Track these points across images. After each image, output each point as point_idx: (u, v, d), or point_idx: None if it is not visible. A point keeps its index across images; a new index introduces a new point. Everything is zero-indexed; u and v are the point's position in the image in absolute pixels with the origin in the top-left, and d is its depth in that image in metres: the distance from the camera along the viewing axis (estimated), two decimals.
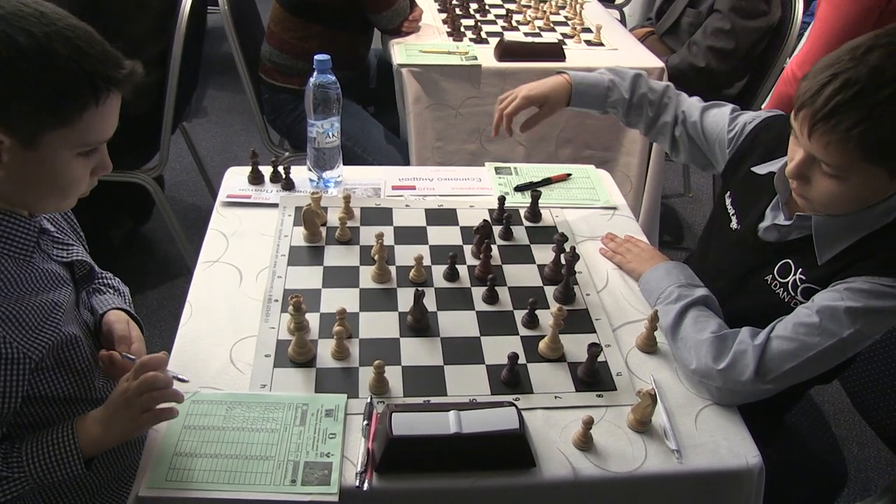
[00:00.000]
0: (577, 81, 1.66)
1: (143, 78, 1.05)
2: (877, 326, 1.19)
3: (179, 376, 1.15)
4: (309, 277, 1.45)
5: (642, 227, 1.74)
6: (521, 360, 1.28)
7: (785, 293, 1.30)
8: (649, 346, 1.34)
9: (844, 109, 1.07)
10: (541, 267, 1.51)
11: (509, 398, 1.21)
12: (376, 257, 1.45)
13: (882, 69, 1.05)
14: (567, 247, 1.47)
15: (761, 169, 1.37)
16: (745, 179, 1.44)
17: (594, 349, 1.24)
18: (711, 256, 1.49)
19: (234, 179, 1.75)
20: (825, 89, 1.08)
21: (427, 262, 1.51)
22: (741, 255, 1.39)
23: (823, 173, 1.15)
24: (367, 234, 1.58)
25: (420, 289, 1.34)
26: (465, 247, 1.58)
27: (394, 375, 1.24)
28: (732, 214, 1.45)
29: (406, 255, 1.52)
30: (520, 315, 1.39)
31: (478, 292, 1.44)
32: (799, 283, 1.27)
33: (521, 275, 1.48)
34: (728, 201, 1.48)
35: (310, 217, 1.53)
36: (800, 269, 1.28)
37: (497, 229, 1.62)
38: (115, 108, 1.05)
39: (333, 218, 1.61)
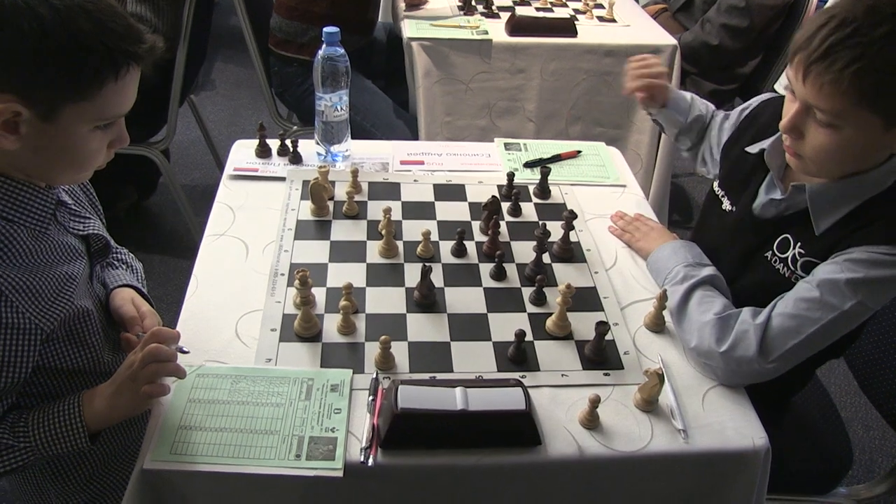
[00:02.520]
0: (670, 89, 1.61)
1: (162, 52, 1.04)
2: (879, 297, 1.17)
3: (182, 348, 1.14)
4: (316, 252, 1.44)
5: (652, 205, 1.73)
6: (529, 337, 1.28)
7: (785, 268, 1.29)
8: (657, 325, 1.33)
9: (839, 48, 1.05)
10: (549, 244, 1.49)
11: (516, 375, 1.20)
12: (383, 232, 1.44)
13: (879, 7, 1.03)
14: (541, 224, 1.46)
15: (753, 148, 1.36)
16: (736, 160, 1.43)
17: (602, 327, 1.23)
18: (707, 241, 1.47)
19: (242, 152, 1.73)
20: (821, 31, 1.06)
21: (435, 237, 1.50)
22: (739, 236, 1.38)
23: (818, 124, 1.13)
24: (375, 209, 1.57)
25: (427, 264, 1.33)
26: (473, 223, 1.57)
27: (400, 351, 1.23)
28: (722, 196, 1.45)
29: (414, 230, 1.51)
30: (527, 292, 1.39)
31: (485, 268, 1.44)
32: (798, 258, 1.26)
33: (529, 251, 1.46)
34: (716, 184, 1.48)
35: (317, 191, 1.52)
36: (798, 244, 1.27)
37: (505, 205, 1.62)
38: (135, 82, 1.04)
39: (341, 192, 1.61)
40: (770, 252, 1.32)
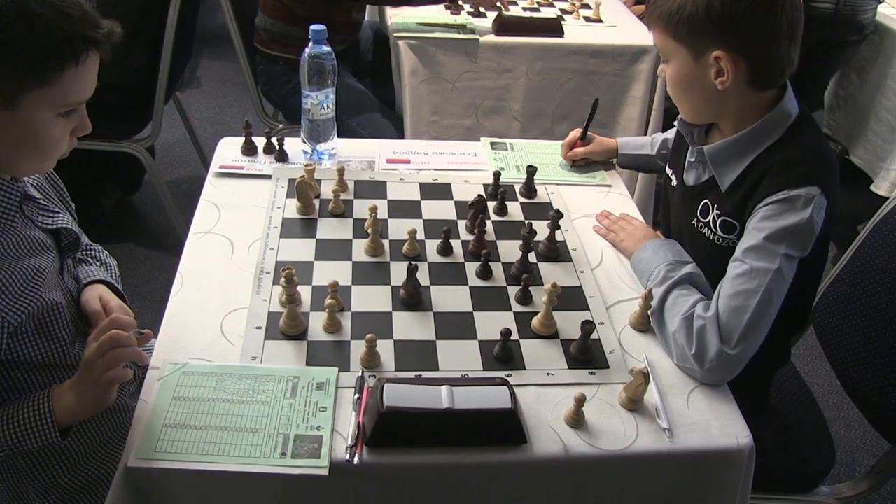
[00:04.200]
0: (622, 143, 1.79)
1: (120, 38, 1.04)
2: (800, 242, 1.24)
3: (141, 331, 1.13)
4: (301, 250, 1.44)
5: (637, 204, 1.74)
6: (514, 335, 1.28)
7: (709, 231, 1.40)
8: (642, 324, 1.33)
9: None
10: (535, 243, 1.49)
11: (501, 374, 1.20)
12: (369, 230, 1.44)
13: None
14: (527, 223, 1.47)
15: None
16: (677, 136, 1.55)
17: (587, 326, 1.23)
18: (666, 223, 1.56)
19: (228, 150, 1.72)
20: None
21: (421, 236, 1.50)
22: (679, 208, 1.50)
23: (663, 63, 1.35)
24: (361, 207, 1.57)
25: (413, 263, 1.33)
26: (459, 221, 1.57)
27: (386, 349, 1.23)
28: (671, 174, 1.56)
29: (400, 228, 1.50)
30: (513, 291, 1.38)
31: (471, 267, 1.44)
32: (717, 219, 1.38)
33: (515, 251, 1.45)
34: (666, 165, 1.60)
35: (303, 189, 1.52)
36: (715, 206, 1.39)
37: (492, 205, 1.62)
38: (95, 67, 1.04)
39: (327, 190, 1.60)
40: (695, 219, 1.43)
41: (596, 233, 1.58)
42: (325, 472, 1.03)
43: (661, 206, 1.64)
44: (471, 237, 1.50)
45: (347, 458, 1.05)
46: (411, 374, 1.19)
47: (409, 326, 1.29)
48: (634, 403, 1.17)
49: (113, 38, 1.03)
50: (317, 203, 1.57)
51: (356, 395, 1.13)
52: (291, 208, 1.55)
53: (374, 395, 1.11)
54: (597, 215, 1.62)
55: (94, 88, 1.06)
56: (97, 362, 1.03)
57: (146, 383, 1.13)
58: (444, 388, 1.09)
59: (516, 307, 1.36)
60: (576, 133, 1.79)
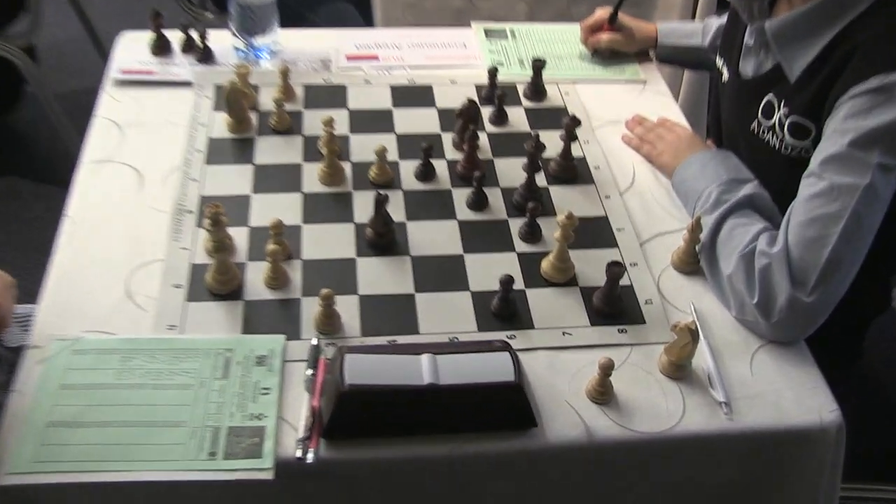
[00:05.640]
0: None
1: None
2: None
3: None
4: (234, 180, 1.44)
5: (682, 106, 1.72)
6: (519, 285, 1.27)
7: (774, 138, 1.39)
8: (689, 264, 1.32)
9: None
10: (545, 161, 1.48)
11: (502, 336, 1.20)
12: (325, 151, 1.42)
13: None
14: (532, 136, 1.43)
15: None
16: (731, 15, 1.55)
17: (615, 269, 1.22)
18: (716, 128, 1.55)
19: (131, 49, 1.69)
20: None
21: (393, 156, 1.49)
22: (734, 108, 1.49)
23: None
24: (313, 121, 1.55)
25: (383, 192, 1.31)
26: (443, 136, 1.56)
27: (348, 308, 1.23)
28: (722, 66, 1.55)
29: (365, 147, 1.50)
30: (516, 225, 1.38)
31: (460, 196, 1.43)
32: (784, 120, 1.36)
33: (518, 172, 1.44)
34: (716, 55, 1.60)
35: (235, 99, 1.50)
36: (781, 103, 1.36)
37: (487, 112, 1.60)
38: None
39: (267, 100, 1.58)
40: (755, 122, 1.42)
41: (626, 144, 1.58)
42: (270, 475, 1.02)
43: (711, 107, 1.61)
44: (459, 156, 1.49)
45: (299, 455, 1.04)
46: (382, 340, 1.19)
47: (380, 277, 1.28)
48: (680, 370, 1.17)
49: None
50: (254, 118, 1.56)
51: (309, 371, 1.13)
52: (220, 125, 1.53)
53: (332, 369, 1.09)
54: (627, 122, 1.61)
55: None
56: None
57: (22, 369, 1.11)
58: (425, 358, 1.08)
59: (521, 246, 1.35)
60: (603, 14, 1.75)
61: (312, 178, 1.44)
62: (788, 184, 1.27)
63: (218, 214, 1.21)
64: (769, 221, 1.28)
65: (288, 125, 1.54)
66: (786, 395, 1.15)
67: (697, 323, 1.18)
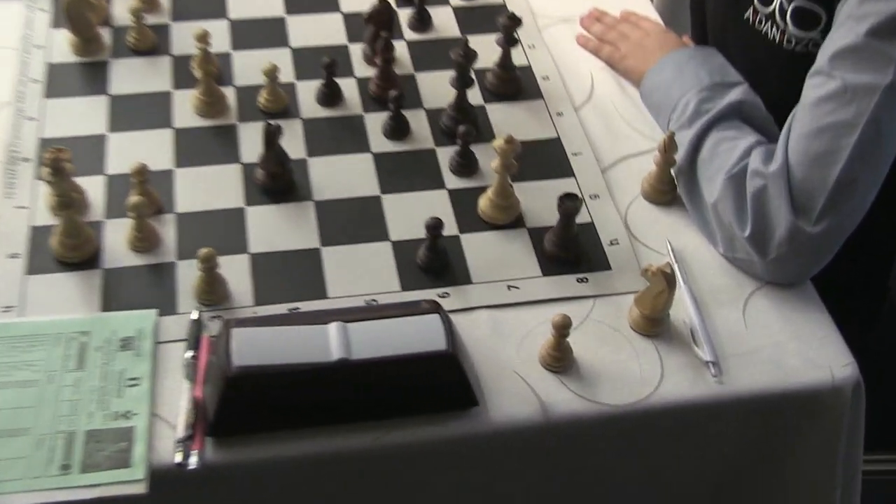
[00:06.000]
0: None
1: None
2: None
3: None
4: (84, 116, 1.42)
5: (658, 6, 1.72)
6: (451, 229, 1.28)
7: (773, 28, 1.38)
8: (664, 193, 1.33)
9: None
10: (481, 73, 1.48)
11: (432, 295, 1.20)
12: (200, 74, 1.41)
13: None
14: (461, 49, 1.41)
15: None
16: None
17: (570, 204, 1.22)
18: (705, 21, 1.54)
19: None
20: None
21: (287, 76, 1.49)
22: None
23: None
24: (183, 36, 1.53)
25: (274, 123, 1.30)
26: (351, 47, 1.56)
27: (237, 272, 1.22)
28: None
29: (251, 67, 1.48)
30: (445, 155, 1.38)
31: (375, 122, 1.43)
32: (787, 4, 1.35)
33: (446, 88, 1.42)
34: None
35: (78, 11, 1.47)
36: None
37: (405, 15, 1.61)
38: None
39: (123, 11, 1.55)
40: (750, 10, 1.42)
41: (582, 48, 1.58)
42: (143, 487, 1.01)
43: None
44: (372, 72, 1.49)
45: (179, 459, 1.03)
46: (281, 310, 1.18)
47: (275, 230, 1.29)
48: (655, 325, 1.17)
49: None
50: (106, 35, 1.54)
51: (189, 354, 1.12)
52: (62, 47, 1.52)
53: (217, 349, 1.08)
54: (582, 19, 1.62)
55: None
56: None
57: None
58: (333, 328, 1.07)
59: (452, 181, 1.36)
60: None
61: (185, 108, 1.43)
62: (789, 87, 1.26)
63: (59, 161, 1.19)
64: (763, 135, 1.28)
65: (151, 43, 1.52)
66: (788, 348, 1.16)
67: (675, 265, 1.19)
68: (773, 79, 1.35)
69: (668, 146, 1.28)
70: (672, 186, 1.32)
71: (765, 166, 1.20)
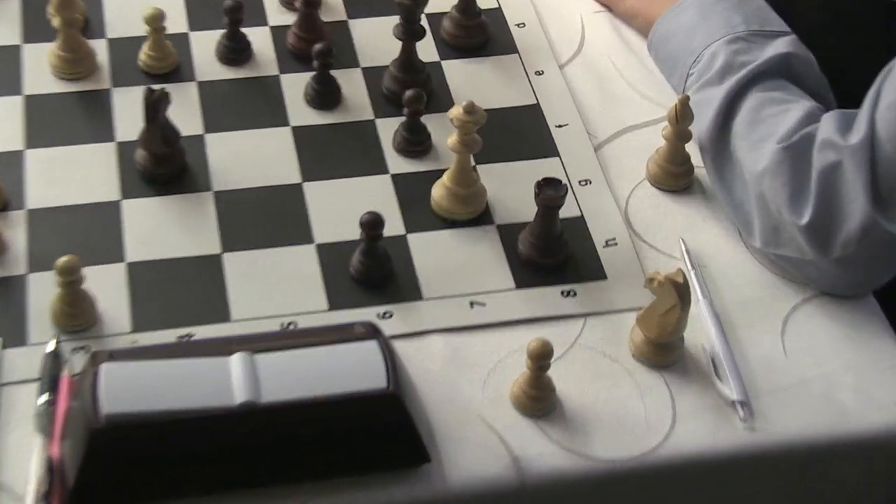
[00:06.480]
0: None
1: None
2: None
3: None
4: None
5: None
6: (395, 227, 1.29)
7: None
8: (676, 176, 1.35)
9: None
10: (434, 20, 1.50)
11: (368, 315, 1.20)
12: (58, 23, 1.41)
13: None
14: None
15: None
16: None
17: (552, 193, 1.22)
18: None
19: None
20: None
21: (178, 26, 1.50)
22: None
23: None
24: None
25: (160, 87, 1.29)
26: None
27: (109, 286, 1.22)
28: None
29: (129, 14, 1.50)
30: (388, 129, 1.40)
31: (295, 86, 1.45)
32: None
33: (388, 39, 1.43)
34: None
35: None
36: None
37: None
38: None
39: None
40: None
41: None
42: None
43: None
44: (291, 18, 1.51)
45: None
46: (168, 337, 1.18)
47: (162, 230, 1.29)
48: (664, 352, 1.17)
49: None
50: None
51: (44, 398, 1.11)
52: None
53: (81, 391, 1.06)
54: None
55: None
56: None
57: None
58: (236, 361, 1.06)
59: (396, 164, 1.38)
60: None
61: (41, 68, 1.44)
62: (872, 47, 1.29)
63: None
64: (818, 101, 1.29)
65: None
66: (842, 382, 1.17)
67: (691, 272, 1.20)
68: (839, 32, 1.37)
69: (681, 113, 1.28)
70: (687, 168, 1.33)
71: (842, 137, 1.19)
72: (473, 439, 1.10)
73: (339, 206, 1.30)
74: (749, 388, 1.14)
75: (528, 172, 1.31)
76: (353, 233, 1.22)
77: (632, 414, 1.13)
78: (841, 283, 1.23)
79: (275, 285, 1.23)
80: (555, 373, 1.11)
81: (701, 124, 1.31)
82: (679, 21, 1.43)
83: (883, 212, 1.16)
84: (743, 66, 1.31)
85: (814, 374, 1.16)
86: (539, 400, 1.12)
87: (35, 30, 1.47)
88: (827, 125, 1.20)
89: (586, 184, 1.33)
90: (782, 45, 1.33)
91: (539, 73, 1.46)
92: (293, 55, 1.46)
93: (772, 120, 1.26)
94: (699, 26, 1.39)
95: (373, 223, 1.19)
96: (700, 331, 1.18)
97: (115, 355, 1.08)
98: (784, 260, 1.24)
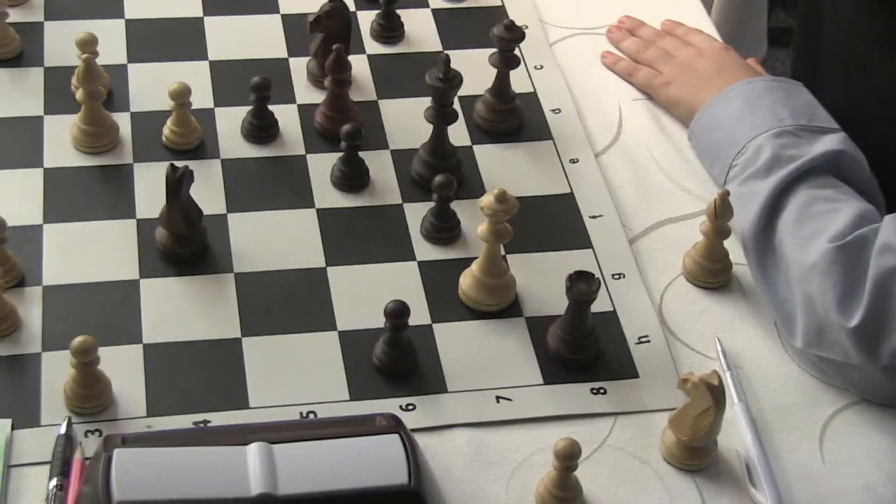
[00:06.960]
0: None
1: None
2: None
3: None
4: None
5: (716, 6, 1.78)
6: (421, 317, 1.29)
7: None
8: (712, 272, 1.34)
9: None
10: (465, 102, 1.50)
11: (391, 407, 1.20)
12: (82, 95, 1.41)
13: None
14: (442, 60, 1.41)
15: None
16: None
17: (583, 286, 1.22)
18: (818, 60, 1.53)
19: None
20: None
21: (205, 100, 1.51)
22: (865, 24, 1.46)
23: None
24: (60, 42, 1.55)
25: (184, 164, 1.30)
26: (292, 62, 1.59)
27: (125, 368, 1.22)
28: None
29: (153, 86, 1.50)
30: (417, 215, 1.40)
31: (322, 167, 1.45)
32: None
33: (419, 122, 1.43)
34: None
35: None
36: None
37: (367, 19, 1.62)
38: None
39: None
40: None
41: (608, 69, 1.60)
42: None
43: (806, 29, 1.61)
44: (319, 97, 1.50)
45: None
46: (185, 421, 1.18)
47: (180, 312, 1.29)
48: (696, 456, 1.17)
49: None
50: None
51: (54, 482, 1.10)
52: None
53: (93, 476, 1.05)
54: (609, 30, 1.64)
55: None
56: None
57: None
58: (254, 451, 1.06)
59: (424, 251, 1.38)
60: None
61: (62, 141, 1.44)
62: None
63: None
64: (863, 195, 1.29)
65: (15, 48, 1.54)
66: (885, 494, 1.16)
67: (726, 373, 1.19)
68: None
69: (720, 209, 1.28)
70: (726, 264, 1.33)
71: None
72: None
73: (363, 293, 1.30)
74: (785, 496, 1.13)
75: (559, 264, 1.31)
76: (378, 321, 1.21)
77: None
78: (886, 392, 1.22)
79: (295, 373, 1.23)
80: (582, 473, 1.10)
81: (745, 217, 1.31)
82: (724, 111, 1.43)
83: None
84: (791, 160, 1.31)
85: (853, 485, 1.15)
86: (565, 501, 1.10)
87: (58, 101, 1.47)
88: (889, 229, 1.20)
89: (620, 277, 1.34)
90: (833, 141, 1.33)
91: (574, 161, 1.46)
92: (320, 135, 1.46)
93: (822, 217, 1.26)
94: (745, 117, 1.39)
95: (398, 312, 1.19)
96: (735, 435, 1.18)
97: (128, 440, 1.08)
98: (826, 362, 1.23)
